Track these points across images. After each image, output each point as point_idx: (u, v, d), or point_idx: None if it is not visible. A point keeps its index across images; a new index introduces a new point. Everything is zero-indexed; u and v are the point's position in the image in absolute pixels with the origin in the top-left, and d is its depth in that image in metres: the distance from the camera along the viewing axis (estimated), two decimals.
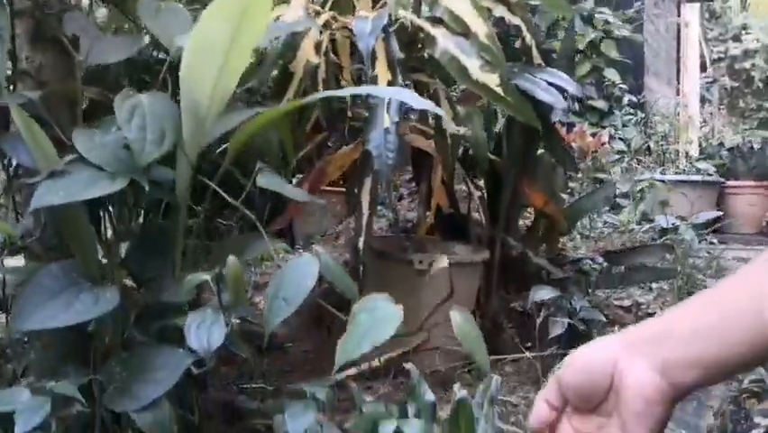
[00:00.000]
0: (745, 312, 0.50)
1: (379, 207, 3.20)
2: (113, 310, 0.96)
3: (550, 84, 1.74)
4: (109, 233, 1.22)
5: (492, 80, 1.54)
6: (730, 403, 1.81)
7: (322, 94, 1.57)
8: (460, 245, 2.03)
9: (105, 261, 1.14)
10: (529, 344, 1.87)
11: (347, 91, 1.66)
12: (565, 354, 0.66)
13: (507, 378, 1.81)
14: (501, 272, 2.15)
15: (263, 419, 1.41)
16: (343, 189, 2.45)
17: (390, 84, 1.50)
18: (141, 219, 1.25)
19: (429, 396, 1.10)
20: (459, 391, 1.03)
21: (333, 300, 2.14)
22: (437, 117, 1.65)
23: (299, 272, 0.87)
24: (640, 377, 0.59)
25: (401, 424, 0.89)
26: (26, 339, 1.18)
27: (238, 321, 1.02)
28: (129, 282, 1.19)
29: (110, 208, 1.14)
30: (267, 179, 0.97)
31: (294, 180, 1.92)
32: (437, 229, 2.23)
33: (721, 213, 3.31)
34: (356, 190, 1.61)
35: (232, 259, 0.92)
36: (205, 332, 0.90)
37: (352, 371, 1.64)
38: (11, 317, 0.91)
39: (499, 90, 1.55)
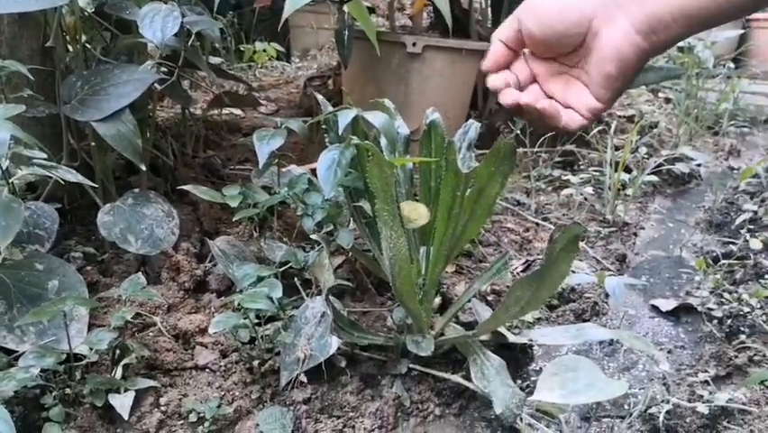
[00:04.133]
0: None
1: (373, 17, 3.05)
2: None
3: None
4: None
5: None
6: (723, 201, 1.79)
7: None
8: (459, 40, 1.92)
9: None
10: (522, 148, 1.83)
11: None
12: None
13: None
14: None
15: (242, 175, 1.41)
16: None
17: None
18: None
19: (404, 129, 1.06)
20: (431, 114, 0.99)
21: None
22: None
23: None
24: (618, 37, 0.54)
25: (364, 114, 0.86)
26: None
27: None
28: None
29: None
30: None
31: None
32: (436, 27, 2.11)
33: (743, 30, 3.11)
34: None
35: None
36: (160, 22, 0.84)
37: None
38: None
39: None
